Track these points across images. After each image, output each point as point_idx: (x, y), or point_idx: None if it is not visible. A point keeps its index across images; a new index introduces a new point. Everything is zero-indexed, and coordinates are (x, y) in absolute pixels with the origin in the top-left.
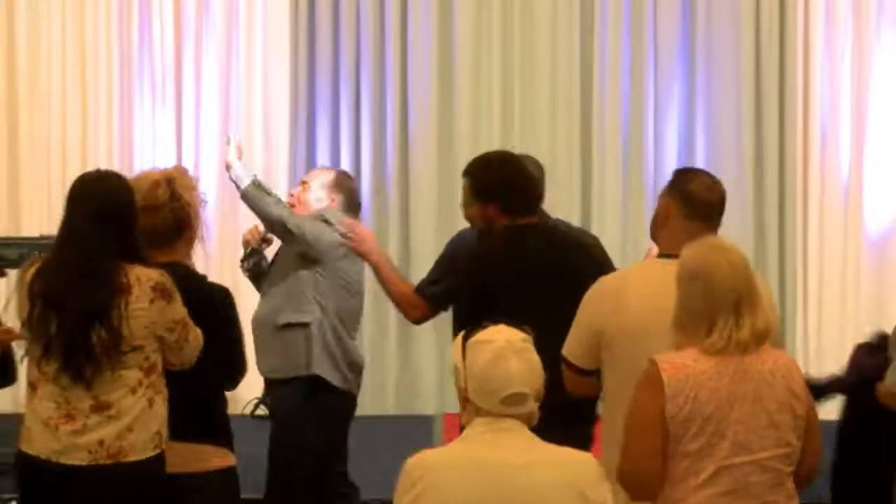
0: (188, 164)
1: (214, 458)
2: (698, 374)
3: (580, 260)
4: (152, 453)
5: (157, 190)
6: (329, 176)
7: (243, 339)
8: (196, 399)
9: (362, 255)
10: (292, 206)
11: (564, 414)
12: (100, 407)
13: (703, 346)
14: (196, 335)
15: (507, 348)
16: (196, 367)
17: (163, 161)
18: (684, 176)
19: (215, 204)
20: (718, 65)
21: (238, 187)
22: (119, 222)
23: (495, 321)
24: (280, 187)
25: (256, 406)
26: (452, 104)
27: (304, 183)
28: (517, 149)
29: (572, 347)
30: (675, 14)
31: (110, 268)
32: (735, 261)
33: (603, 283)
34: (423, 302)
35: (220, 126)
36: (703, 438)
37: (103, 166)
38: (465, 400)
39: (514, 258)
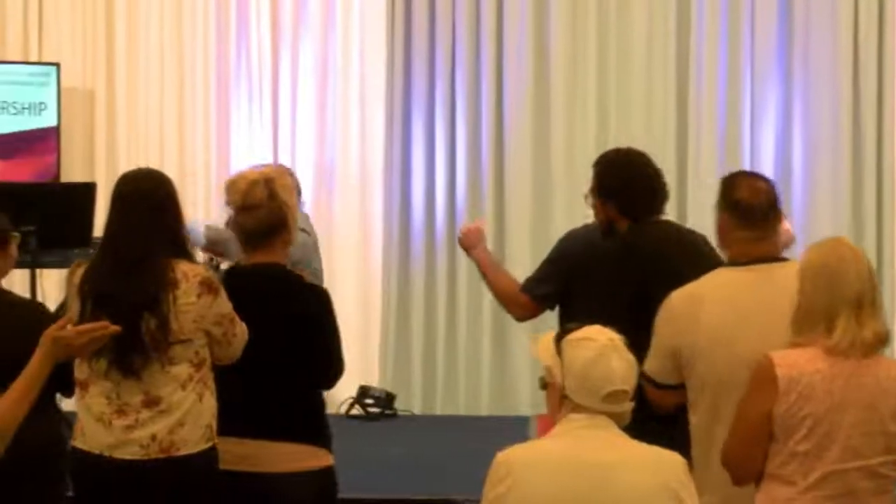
0: (284, 163)
1: (312, 458)
2: (812, 374)
3: (699, 262)
4: (204, 446)
5: (255, 190)
6: (287, 178)
7: (340, 338)
8: (294, 399)
9: (466, 250)
10: None
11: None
12: (150, 402)
13: (825, 345)
14: (242, 329)
15: (608, 346)
16: (293, 367)
17: (259, 160)
18: (729, 185)
19: (310, 203)
20: (816, 64)
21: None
22: (165, 218)
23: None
24: (376, 186)
25: (351, 406)
26: (548, 104)
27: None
28: (613, 146)
29: (652, 366)
30: (773, 14)
31: (158, 263)
32: (860, 259)
33: (673, 302)
34: (528, 300)
35: (317, 126)
36: (813, 440)
37: (200, 166)
38: (561, 398)
39: (633, 262)
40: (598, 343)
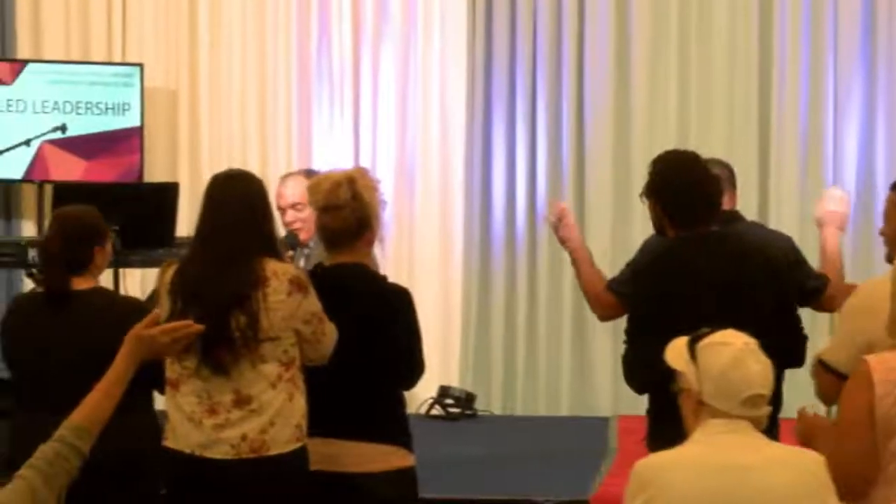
0: (365, 164)
1: (394, 457)
2: None
3: (757, 274)
4: (294, 446)
5: (339, 190)
6: (304, 182)
7: (421, 339)
8: (376, 399)
9: (563, 242)
10: (299, 229)
11: None
12: (241, 401)
13: None
14: (332, 329)
15: (744, 350)
16: (375, 368)
17: (341, 162)
18: None
19: (391, 204)
20: None
21: None
22: (255, 218)
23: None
24: (456, 187)
25: (431, 406)
26: (629, 106)
27: (296, 205)
28: (693, 148)
29: (837, 355)
30: (856, 12)
31: (249, 261)
32: None
33: (873, 293)
34: (613, 299)
35: (398, 127)
36: None
37: (282, 167)
38: (697, 403)
39: (681, 271)
40: (735, 347)
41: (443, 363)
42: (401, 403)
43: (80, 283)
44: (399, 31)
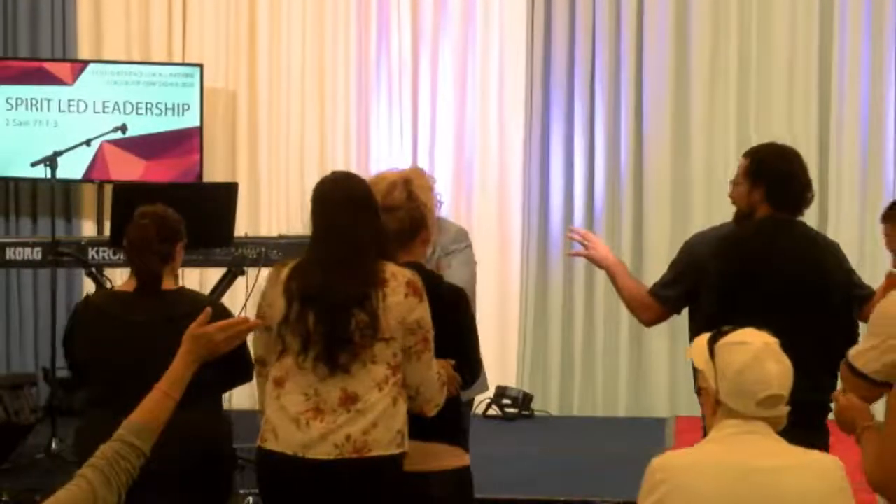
0: (423, 165)
1: (450, 457)
2: None
3: (833, 263)
4: (396, 451)
5: (395, 191)
6: (426, 179)
7: (478, 338)
8: None
9: (596, 262)
10: None
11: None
12: (348, 399)
13: None
14: (432, 364)
15: (764, 350)
16: None
17: (398, 162)
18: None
19: (449, 204)
20: None
21: None
22: (368, 218)
23: (735, 325)
24: (515, 188)
25: (489, 406)
26: (688, 105)
27: None
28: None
29: (868, 360)
30: None
31: (368, 261)
32: None
33: None
34: (656, 304)
35: (455, 128)
36: None
37: (340, 168)
38: (715, 402)
39: (762, 252)
40: (754, 346)
41: (500, 363)
42: (457, 403)
43: (166, 283)
44: (458, 30)
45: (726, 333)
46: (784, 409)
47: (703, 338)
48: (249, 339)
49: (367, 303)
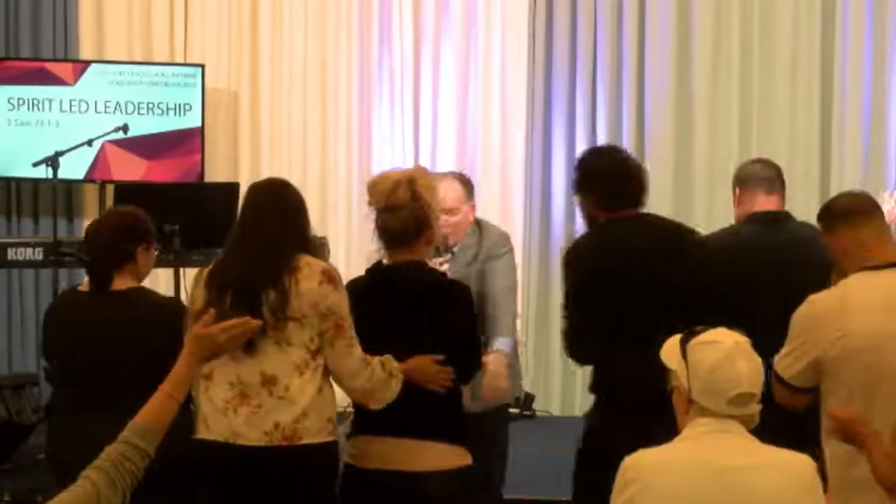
0: (424, 164)
1: (454, 456)
2: None
3: (679, 254)
4: (327, 438)
5: (398, 191)
6: (458, 188)
7: (479, 335)
8: (436, 398)
9: None
10: (448, 234)
11: None
12: (267, 381)
13: None
14: (349, 351)
15: (734, 349)
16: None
17: (400, 162)
18: (830, 204)
19: None
20: None
21: None
22: (291, 222)
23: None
24: (517, 188)
25: None
26: (690, 103)
27: (450, 210)
28: (755, 152)
29: (790, 367)
30: None
31: (283, 253)
32: None
33: (819, 306)
34: None
35: (458, 127)
36: None
37: (343, 168)
38: (687, 401)
39: (606, 252)
40: (725, 345)
41: None
42: (459, 402)
43: (121, 283)
44: (460, 30)
45: (698, 333)
46: (756, 408)
47: (675, 338)
48: None
49: (279, 282)
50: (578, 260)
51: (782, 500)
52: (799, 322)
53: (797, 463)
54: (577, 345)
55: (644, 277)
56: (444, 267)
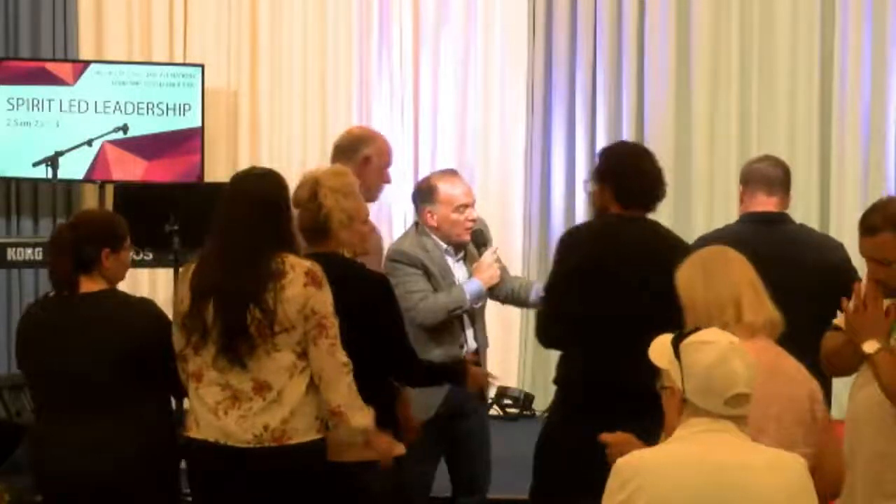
0: (424, 164)
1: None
2: None
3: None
4: (315, 437)
5: (300, 191)
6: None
7: (403, 327)
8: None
9: None
10: (467, 229)
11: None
12: (260, 387)
13: None
14: (332, 351)
15: (729, 349)
16: (354, 357)
17: (400, 161)
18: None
19: None
20: None
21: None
22: (274, 215)
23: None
24: (515, 189)
25: (490, 406)
26: (690, 106)
27: (467, 206)
28: (755, 152)
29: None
30: None
31: (265, 255)
32: None
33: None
34: None
35: (457, 127)
36: None
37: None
38: (680, 401)
39: (599, 245)
40: (720, 346)
41: (502, 364)
42: (387, 393)
43: (88, 286)
44: (459, 30)
45: (690, 333)
46: (749, 408)
47: (666, 337)
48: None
49: (262, 298)
50: (570, 247)
51: (778, 500)
52: None
53: (791, 462)
54: (547, 328)
55: (627, 278)
56: (493, 258)
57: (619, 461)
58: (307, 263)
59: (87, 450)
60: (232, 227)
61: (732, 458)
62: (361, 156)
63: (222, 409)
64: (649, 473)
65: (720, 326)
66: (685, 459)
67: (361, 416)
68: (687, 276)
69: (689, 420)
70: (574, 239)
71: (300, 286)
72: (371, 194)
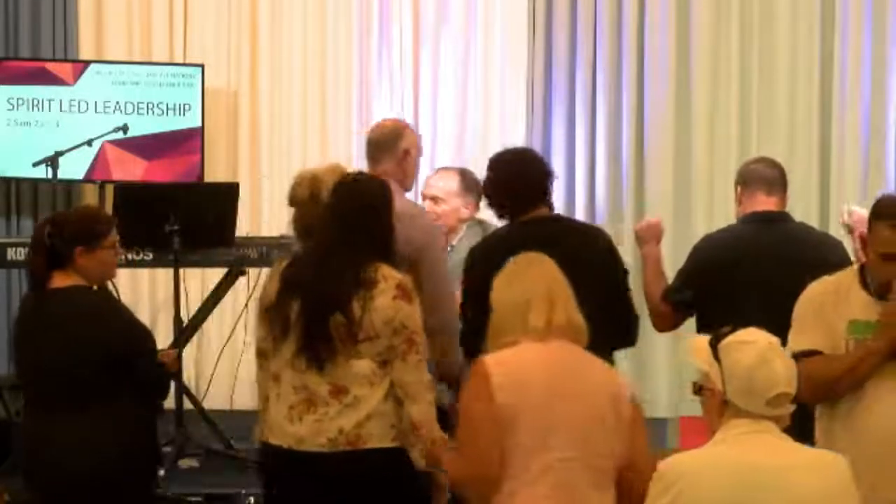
0: (424, 164)
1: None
2: None
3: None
4: (391, 444)
5: (297, 189)
6: (451, 179)
7: None
8: None
9: (639, 242)
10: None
11: None
12: (338, 391)
13: None
14: (420, 366)
15: (769, 349)
16: None
17: None
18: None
19: None
20: None
21: None
22: (374, 223)
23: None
24: None
25: None
26: (690, 106)
27: (434, 198)
28: (755, 152)
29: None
30: None
31: (359, 264)
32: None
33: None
34: (669, 309)
35: (457, 128)
36: None
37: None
38: (721, 403)
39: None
40: (760, 346)
41: None
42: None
43: (60, 281)
44: (459, 30)
45: (727, 334)
46: (790, 408)
47: (703, 339)
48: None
49: (349, 306)
50: (477, 261)
51: (815, 500)
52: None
53: (833, 462)
54: (466, 340)
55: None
56: None
57: (661, 466)
58: (399, 276)
59: (65, 446)
60: (330, 230)
61: (770, 460)
62: (402, 150)
63: (297, 414)
64: (694, 477)
65: (515, 328)
66: (729, 462)
67: (439, 433)
68: (497, 280)
69: (731, 421)
70: (478, 253)
71: (390, 298)
72: (408, 184)
